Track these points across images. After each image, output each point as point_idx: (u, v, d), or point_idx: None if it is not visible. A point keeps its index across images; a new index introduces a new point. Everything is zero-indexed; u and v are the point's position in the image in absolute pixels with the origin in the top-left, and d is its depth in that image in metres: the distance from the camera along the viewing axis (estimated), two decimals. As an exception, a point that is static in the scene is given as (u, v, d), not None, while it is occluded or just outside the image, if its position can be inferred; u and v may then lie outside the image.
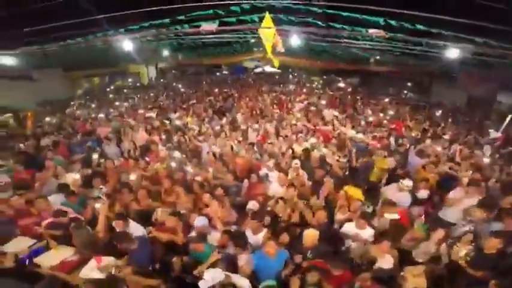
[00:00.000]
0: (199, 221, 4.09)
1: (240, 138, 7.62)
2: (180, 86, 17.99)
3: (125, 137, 7.53)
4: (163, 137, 7.62)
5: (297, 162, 5.72)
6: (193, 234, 4.06)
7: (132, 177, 5.23)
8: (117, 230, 4.02)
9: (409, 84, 20.93)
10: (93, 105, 12.44)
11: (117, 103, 12.52)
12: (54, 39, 7.44)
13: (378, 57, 16.79)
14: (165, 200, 4.91)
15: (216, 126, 8.39)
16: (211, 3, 6.37)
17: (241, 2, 6.48)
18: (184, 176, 5.54)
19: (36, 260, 3.74)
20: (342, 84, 21.68)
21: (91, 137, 7.90)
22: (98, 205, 4.36)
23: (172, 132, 7.87)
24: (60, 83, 15.28)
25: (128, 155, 6.54)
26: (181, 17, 5.79)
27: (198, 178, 5.36)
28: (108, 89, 17.69)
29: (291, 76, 23.56)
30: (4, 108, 11.64)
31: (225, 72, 29.19)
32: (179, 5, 6.43)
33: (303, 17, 8.20)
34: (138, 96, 14.51)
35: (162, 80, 22.14)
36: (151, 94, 14.89)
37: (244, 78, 22.46)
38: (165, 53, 19.98)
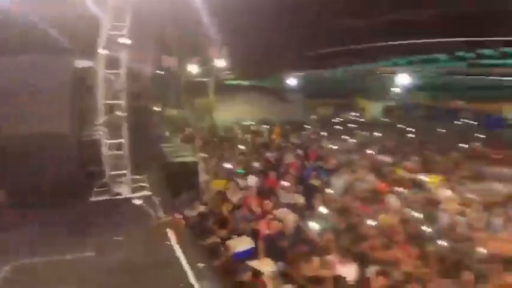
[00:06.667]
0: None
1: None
2: (407, 129, 16.01)
3: (352, 175, 7.37)
4: (396, 188, 6.69)
5: None
6: None
7: (374, 222, 4.87)
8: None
9: None
10: (322, 133, 13.62)
11: (343, 136, 12.93)
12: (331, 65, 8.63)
13: None
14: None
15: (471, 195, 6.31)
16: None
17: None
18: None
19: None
20: None
21: (320, 163, 8.43)
22: None
23: (408, 186, 6.78)
24: (300, 107, 18.22)
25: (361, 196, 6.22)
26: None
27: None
28: (333, 120, 19.09)
29: None
30: (264, 120, 15.46)
31: (465, 120, 23.16)
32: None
33: None
34: (364, 133, 14.34)
35: (385, 119, 21.06)
36: (376, 133, 14.23)
37: (502, 133, 16.21)
38: (395, 89, 18.72)
